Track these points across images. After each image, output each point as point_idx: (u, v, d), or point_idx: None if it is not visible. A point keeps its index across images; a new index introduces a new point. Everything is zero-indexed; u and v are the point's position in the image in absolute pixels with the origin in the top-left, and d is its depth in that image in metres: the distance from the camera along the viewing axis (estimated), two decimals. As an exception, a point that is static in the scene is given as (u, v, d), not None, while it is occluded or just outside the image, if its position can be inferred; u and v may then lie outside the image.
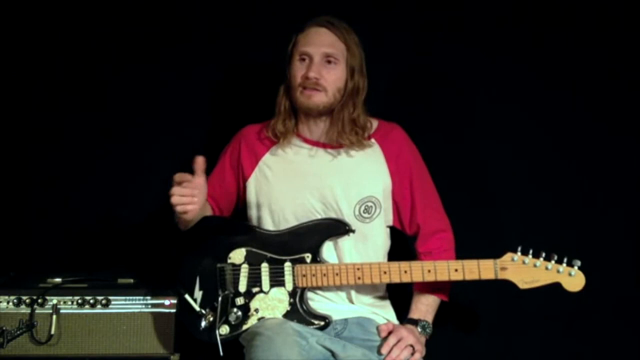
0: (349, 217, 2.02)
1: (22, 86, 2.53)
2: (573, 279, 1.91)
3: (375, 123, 2.13)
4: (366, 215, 2.04)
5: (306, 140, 2.10)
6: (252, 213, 2.11)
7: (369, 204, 2.04)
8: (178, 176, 1.86)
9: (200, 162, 1.89)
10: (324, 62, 2.02)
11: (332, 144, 2.07)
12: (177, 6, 2.53)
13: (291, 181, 2.06)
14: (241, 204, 2.17)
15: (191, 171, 1.88)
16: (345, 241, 2.02)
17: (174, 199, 1.85)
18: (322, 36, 2.04)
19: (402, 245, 2.16)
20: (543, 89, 2.46)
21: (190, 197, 1.86)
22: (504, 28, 2.47)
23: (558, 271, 1.91)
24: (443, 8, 2.48)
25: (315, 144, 2.09)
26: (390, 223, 2.11)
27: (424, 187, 2.12)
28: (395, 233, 2.14)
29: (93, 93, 2.53)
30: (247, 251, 2.00)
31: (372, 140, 2.09)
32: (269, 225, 2.06)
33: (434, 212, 2.11)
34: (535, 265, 1.92)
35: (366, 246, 2.05)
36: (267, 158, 2.11)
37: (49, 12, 2.52)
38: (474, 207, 2.44)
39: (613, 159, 2.44)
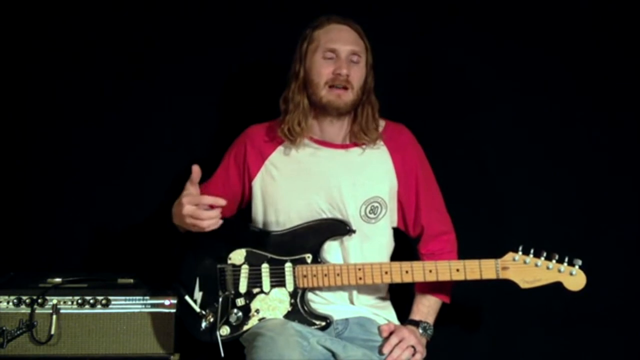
0: (354, 218, 2.02)
1: (22, 87, 2.52)
2: (574, 278, 1.91)
3: (382, 123, 2.12)
4: (372, 215, 2.04)
5: (315, 140, 2.08)
6: (258, 213, 2.10)
7: (375, 204, 2.04)
8: (196, 199, 1.86)
9: (197, 171, 1.89)
10: (349, 59, 2.01)
11: (342, 144, 2.07)
12: (180, 7, 2.52)
13: (297, 181, 2.05)
14: (244, 204, 2.16)
15: (189, 173, 1.87)
16: (350, 241, 2.01)
17: (208, 223, 1.86)
18: (346, 34, 2.03)
19: (405, 247, 2.15)
20: (547, 88, 2.46)
21: (216, 218, 1.87)
22: (504, 26, 2.47)
23: (559, 271, 1.92)
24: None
25: (324, 143, 2.07)
26: (395, 224, 2.11)
27: (429, 188, 2.11)
28: (398, 234, 2.13)
29: (92, 94, 2.52)
30: (247, 252, 2.00)
31: (379, 140, 2.08)
32: (274, 225, 2.05)
33: (438, 213, 2.11)
34: (536, 265, 1.92)
35: (371, 247, 2.04)
36: (274, 157, 2.09)
37: (55, 13, 2.51)
38: (476, 206, 2.44)
39: (617, 159, 2.44)
